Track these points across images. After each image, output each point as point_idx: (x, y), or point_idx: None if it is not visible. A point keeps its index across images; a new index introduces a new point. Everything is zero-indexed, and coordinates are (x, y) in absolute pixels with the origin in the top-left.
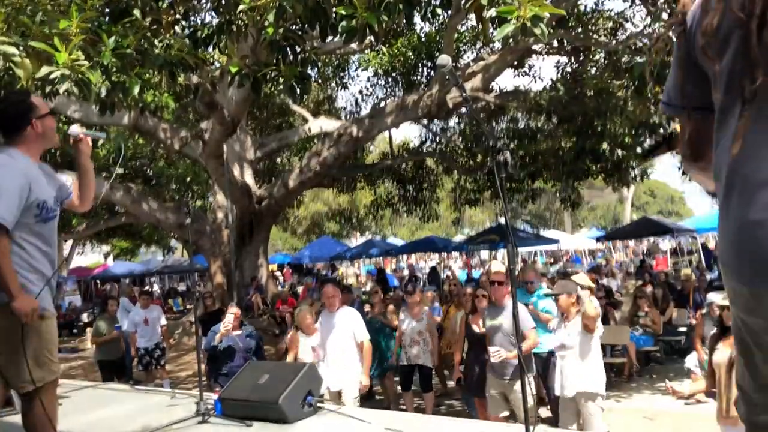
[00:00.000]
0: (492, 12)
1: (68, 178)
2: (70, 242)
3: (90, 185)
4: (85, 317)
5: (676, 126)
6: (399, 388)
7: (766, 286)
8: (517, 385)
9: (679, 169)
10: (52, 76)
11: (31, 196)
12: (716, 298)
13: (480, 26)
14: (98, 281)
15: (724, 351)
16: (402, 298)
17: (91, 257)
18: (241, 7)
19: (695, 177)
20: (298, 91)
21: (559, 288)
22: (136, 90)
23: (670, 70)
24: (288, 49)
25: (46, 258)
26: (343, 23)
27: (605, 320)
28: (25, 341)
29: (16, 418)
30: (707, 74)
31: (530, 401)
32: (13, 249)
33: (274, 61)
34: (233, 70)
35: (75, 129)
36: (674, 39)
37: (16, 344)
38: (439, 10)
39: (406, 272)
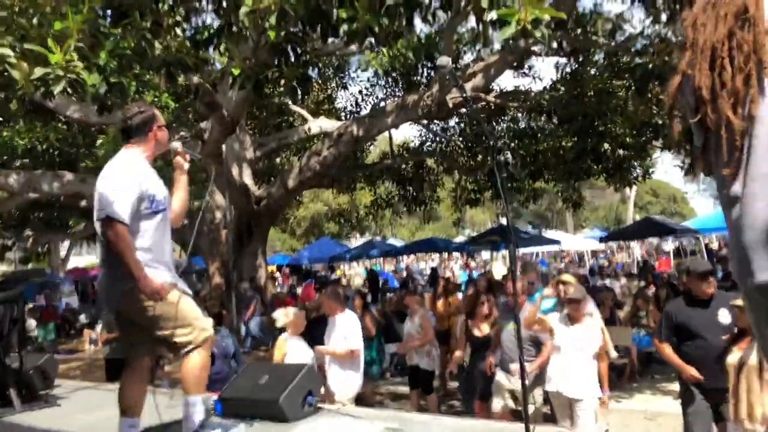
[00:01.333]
0: (493, 15)
1: (68, 177)
2: (67, 243)
3: (183, 201)
4: (82, 318)
5: None
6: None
7: None
8: (535, 392)
9: (681, 168)
10: (46, 77)
11: (143, 188)
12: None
13: (480, 28)
14: (95, 282)
15: (736, 353)
16: (400, 299)
17: (87, 258)
18: (242, 9)
19: None
20: (300, 92)
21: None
22: (134, 90)
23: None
24: (290, 51)
25: (160, 243)
26: (345, 26)
27: (612, 321)
28: (163, 315)
29: (16, 418)
30: None
31: (538, 402)
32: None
33: (276, 62)
34: (235, 72)
35: (175, 144)
36: None
37: (156, 319)
38: (440, 12)
39: (405, 274)
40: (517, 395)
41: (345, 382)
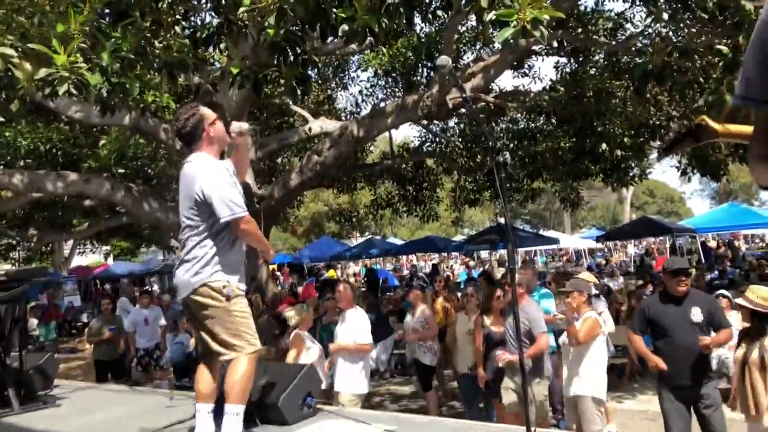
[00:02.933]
0: (492, 15)
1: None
2: (70, 242)
3: (247, 163)
4: (84, 317)
5: (705, 117)
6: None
7: None
8: (534, 385)
9: (678, 169)
10: (50, 78)
11: (236, 186)
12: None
13: (480, 28)
14: (98, 281)
15: (740, 349)
16: (402, 297)
17: (91, 257)
18: (241, 9)
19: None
20: (299, 92)
21: (571, 286)
22: (136, 91)
23: (754, 60)
24: (289, 50)
25: (237, 251)
26: (344, 26)
27: (615, 320)
28: (224, 318)
29: (16, 419)
30: None
31: (544, 402)
32: (210, 241)
33: (275, 62)
34: (234, 71)
35: (234, 127)
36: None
37: (215, 322)
38: (439, 12)
39: (405, 272)
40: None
41: (351, 381)
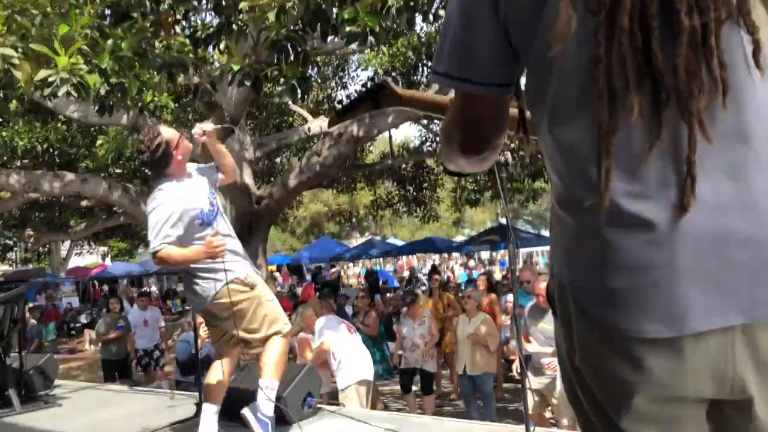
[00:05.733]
0: None
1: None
2: (67, 243)
3: (227, 161)
4: (83, 318)
5: (386, 79)
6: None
7: None
8: (558, 385)
9: None
10: (50, 80)
11: (186, 216)
12: None
13: None
14: (96, 282)
15: None
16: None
17: (88, 258)
18: (241, 5)
19: (457, 164)
20: (300, 92)
21: None
22: (134, 91)
23: (458, 35)
24: (290, 48)
25: (232, 244)
26: (345, 27)
27: None
28: (257, 308)
29: (16, 418)
30: (512, 44)
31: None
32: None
33: (275, 60)
34: (235, 68)
35: (196, 133)
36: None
37: (249, 315)
38: (441, 12)
39: (405, 273)
40: (546, 395)
41: (351, 371)
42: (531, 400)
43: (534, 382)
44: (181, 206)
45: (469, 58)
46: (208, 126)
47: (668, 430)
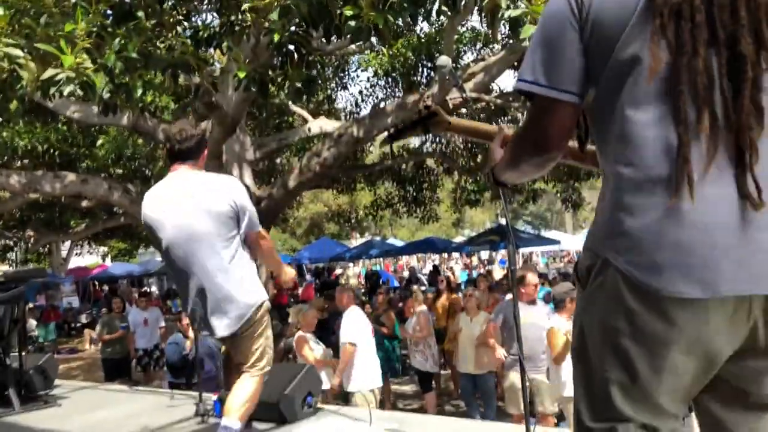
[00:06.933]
0: (512, 12)
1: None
2: (68, 243)
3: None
4: (83, 318)
5: (438, 107)
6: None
7: None
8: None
9: None
10: (56, 79)
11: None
12: None
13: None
14: (96, 282)
15: None
16: (401, 298)
17: (88, 258)
18: (243, 6)
19: (519, 167)
20: (304, 95)
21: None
22: (139, 92)
23: (547, 50)
24: (294, 52)
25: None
26: (350, 23)
27: None
28: (258, 336)
29: (16, 419)
30: (590, 62)
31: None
32: (245, 253)
33: (280, 63)
34: (241, 75)
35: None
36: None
37: (253, 339)
38: (445, 8)
39: (405, 273)
40: (537, 395)
41: (360, 378)
42: (519, 398)
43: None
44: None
45: (555, 71)
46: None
47: (688, 381)
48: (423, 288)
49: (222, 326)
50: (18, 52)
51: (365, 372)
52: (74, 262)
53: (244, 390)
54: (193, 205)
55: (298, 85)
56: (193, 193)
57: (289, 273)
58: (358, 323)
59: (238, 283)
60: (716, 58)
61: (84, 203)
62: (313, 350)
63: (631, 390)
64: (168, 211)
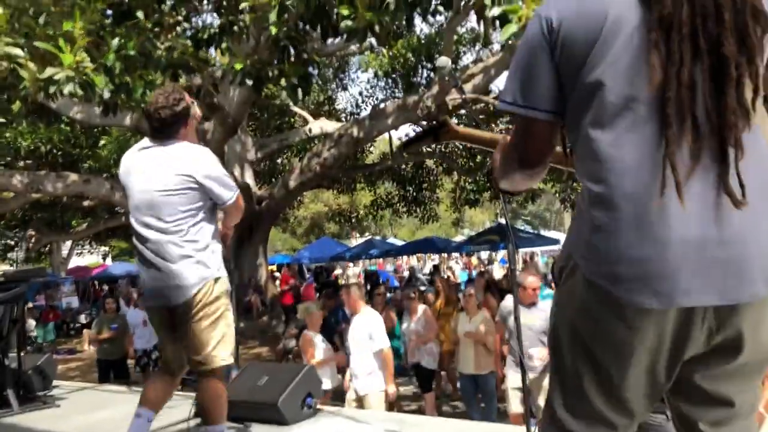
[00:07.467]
0: (495, 11)
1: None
2: (69, 243)
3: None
4: (82, 318)
5: (446, 118)
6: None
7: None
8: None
9: None
10: (56, 78)
11: None
12: None
13: (481, 27)
14: (96, 282)
15: None
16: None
17: (89, 258)
18: (242, 5)
19: (512, 179)
20: (300, 91)
21: None
22: (140, 91)
23: (524, 71)
24: (291, 48)
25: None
26: (345, 23)
27: None
28: (220, 320)
29: (16, 419)
30: (563, 80)
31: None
32: (210, 227)
33: (276, 60)
34: (237, 67)
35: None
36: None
37: (210, 324)
38: (440, 8)
39: (405, 273)
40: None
41: (371, 383)
42: (515, 397)
43: (518, 380)
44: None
45: (532, 92)
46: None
47: (650, 383)
48: (423, 288)
49: (168, 297)
50: (18, 51)
51: (377, 372)
52: (75, 262)
53: (210, 394)
54: (157, 172)
55: (294, 80)
56: (160, 160)
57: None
58: (382, 325)
59: (190, 256)
60: (700, 64)
61: (85, 203)
62: (319, 349)
63: (599, 387)
64: (135, 174)
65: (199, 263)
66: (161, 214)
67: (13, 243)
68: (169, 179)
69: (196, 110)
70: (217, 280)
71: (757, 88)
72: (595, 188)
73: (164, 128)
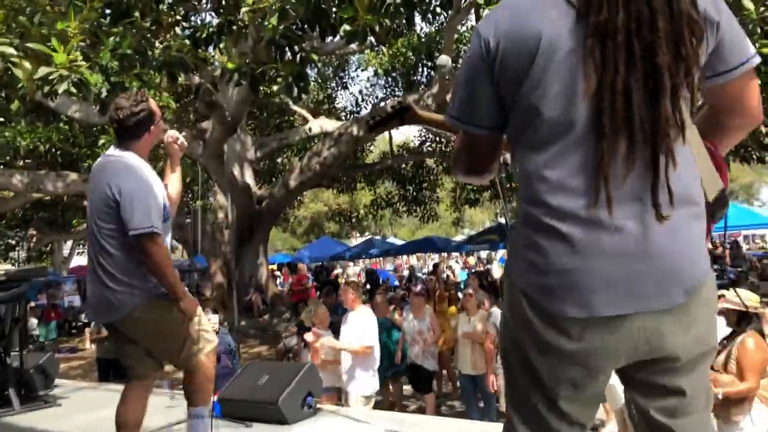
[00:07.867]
0: (489, 10)
1: (72, 177)
2: (70, 242)
3: (178, 192)
4: (83, 317)
5: (410, 102)
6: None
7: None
8: None
9: None
10: (50, 77)
11: (158, 197)
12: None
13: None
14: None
15: (720, 356)
16: (402, 296)
17: None
18: (243, 9)
19: (465, 179)
20: (296, 90)
21: None
22: (136, 90)
23: (466, 89)
24: (287, 47)
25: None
26: (345, 27)
27: None
28: (185, 330)
29: (16, 418)
30: (502, 98)
31: None
32: None
33: (273, 58)
34: (231, 67)
35: (172, 132)
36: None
37: (177, 334)
38: (439, 9)
39: (405, 272)
40: None
41: (361, 381)
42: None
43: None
44: (159, 191)
45: (472, 109)
46: (181, 137)
47: (584, 382)
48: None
49: (104, 312)
50: (11, 50)
51: (369, 374)
52: (76, 261)
53: (198, 380)
54: (97, 184)
55: (290, 79)
56: (104, 170)
57: (190, 303)
58: (374, 325)
59: (121, 274)
60: (635, 72)
61: (86, 202)
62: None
63: (538, 395)
64: (91, 185)
65: (130, 286)
66: (99, 229)
67: (14, 242)
68: (98, 196)
69: (161, 123)
70: (150, 300)
71: (693, 99)
72: (527, 207)
73: (123, 131)
